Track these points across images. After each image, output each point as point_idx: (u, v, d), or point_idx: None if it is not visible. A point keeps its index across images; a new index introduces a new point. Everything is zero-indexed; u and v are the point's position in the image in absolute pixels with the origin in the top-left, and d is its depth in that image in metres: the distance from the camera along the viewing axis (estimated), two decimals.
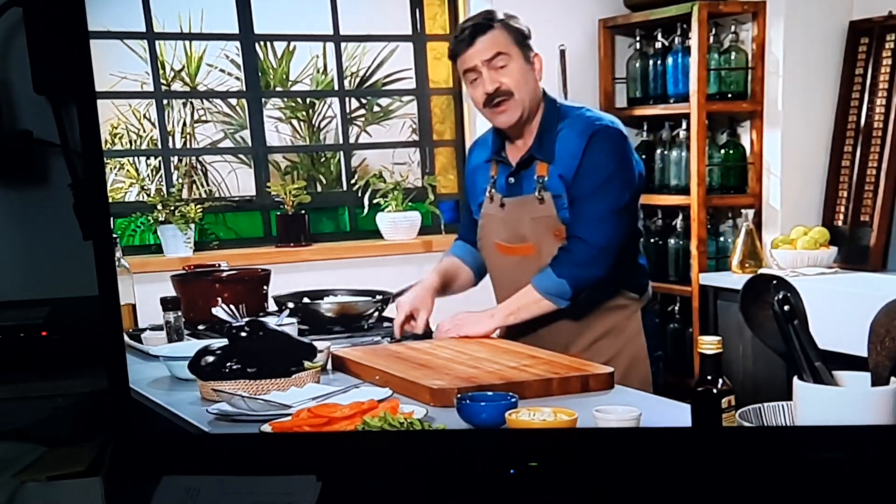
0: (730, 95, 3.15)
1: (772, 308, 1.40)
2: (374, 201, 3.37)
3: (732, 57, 3.17)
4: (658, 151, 3.31)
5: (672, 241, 3.25)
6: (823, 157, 3.08)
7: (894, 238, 2.90)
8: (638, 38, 3.37)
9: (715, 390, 1.42)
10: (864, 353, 1.64)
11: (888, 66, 3.00)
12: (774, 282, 1.40)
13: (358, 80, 3.61)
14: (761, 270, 2.86)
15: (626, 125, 3.44)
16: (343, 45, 3.49)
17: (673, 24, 3.25)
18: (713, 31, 3.17)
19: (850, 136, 3.05)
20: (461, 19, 3.49)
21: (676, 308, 3.16)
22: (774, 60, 3.10)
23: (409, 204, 3.36)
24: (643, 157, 3.39)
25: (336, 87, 3.49)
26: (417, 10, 3.51)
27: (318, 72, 3.61)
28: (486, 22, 2.23)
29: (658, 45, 3.32)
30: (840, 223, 3.02)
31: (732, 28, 3.17)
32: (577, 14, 3.40)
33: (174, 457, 1.84)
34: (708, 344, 1.41)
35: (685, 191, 3.16)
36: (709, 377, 1.43)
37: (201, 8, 3.37)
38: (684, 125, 3.20)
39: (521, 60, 2.22)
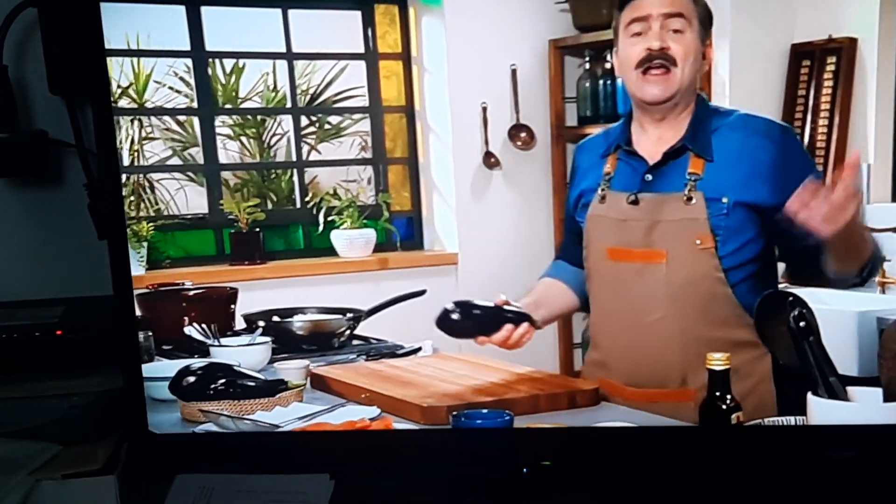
0: None
1: (787, 325, 1.44)
2: (329, 219, 3.37)
3: None
4: None
5: None
6: None
7: None
8: (587, 59, 3.45)
9: (724, 406, 1.46)
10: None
11: (829, 87, 3.13)
12: (790, 299, 1.46)
13: (308, 97, 3.62)
14: None
15: (576, 143, 3.55)
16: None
17: None
18: None
19: None
20: (412, 38, 3.54)
21: None
22: (721, 82, 3.20)
23: (364, 221, 3.37)
24: None
25: (289, 105, 3.49)
26: (369, 29, 3.54)
27: (268, 89, 3.60)
28: None
29: (607, 65, 3.39)
30: None
31: None
32: (528, 35, 3.47)
33: (188, 455, 1.84)
34: (717, 360, 1.45)
35: None
36: (717, 393, 1.46)
37: (149, 25, 3.34)
38: None
39: (697, 36, 1.96)
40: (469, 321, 1.95)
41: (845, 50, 3.11)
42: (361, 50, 3.53)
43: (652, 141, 1.99)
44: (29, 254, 2.17)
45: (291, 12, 3.44)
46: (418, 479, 1.71)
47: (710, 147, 1.94)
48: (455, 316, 1.93)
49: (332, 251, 3.40)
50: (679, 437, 1.58)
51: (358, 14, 3.55)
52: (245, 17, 3.45)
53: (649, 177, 1.97)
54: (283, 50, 3.46)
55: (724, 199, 1.89)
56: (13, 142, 2.06)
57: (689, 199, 1.92)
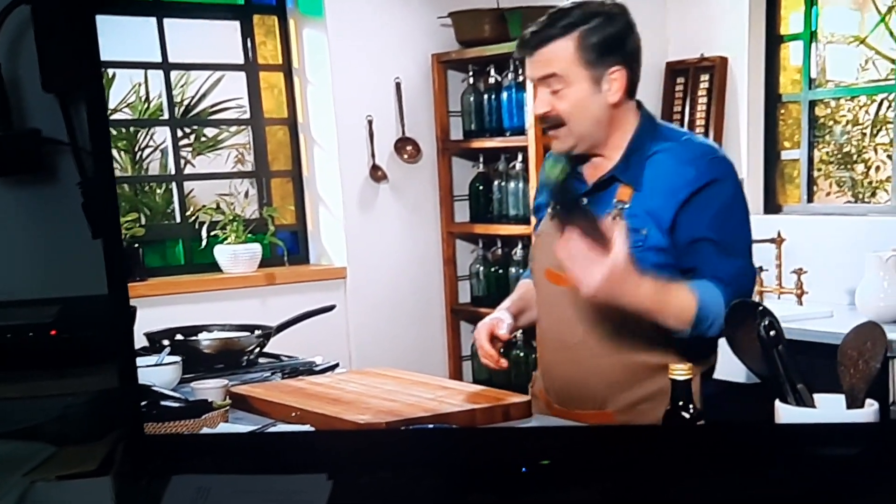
0: None
1: (757, 333, 1.49)
2: (213, 233, 3.28)
3: None
4: (495, 183, 3.43)
5: (512, 269, 3.37)
6: None
7: None
8: (471, 74, 3.49)
9: (687, 415, 1.49)
10: None
11: (703, 103, 3.27)
12: (759, 308, 1.51)
13: (183, 108, 3.51)
14: None
15: (462, 157, 3.59)
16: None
17: (505, 61, 3.39)
18: None
19: None
20: (293, 48, 3.49)
21: (519, 335, 3.27)
22: None
23: (249, 236, 3.30)
24: (480, 188, 3.52)
25: (166, 116, 3.37)
26: (248, 40, 3.47)
27: (140, 100, 3.48)
28: (555, 30, 1.85)
29: (490, 80, 3.44)
30: None
31: None
32: (411, 48, 3.48)
33: (185, 456, 1.78)
34: (679, 370, 1.48)
35: (524, 220, 3.29)
36: (680, 402, 1.50)
37: None
38: (520, 157, 3.34)
39: (584, 84, 1.85)
40: None
41: (717, 68, 3.26)
42: (241, 61, 3.46)
43: (594, 165, 1.93)
44: (23, 253, 2.10)
45: (167, 21, 3.35)
46: (418, 478, 1.68)
47: (640, 176, 1.86)
48: None
49: (214, 267, 3.30)
50: (681, 435, 1.57)
51: (237, 24, 3.48)
52: (118, 26, 3.32)
53: (585, 201, 1.91)
54: (159, 60, 3.35)
55: (644, 231, 1.82)
56: (6, 140, 2.02)
57: None
